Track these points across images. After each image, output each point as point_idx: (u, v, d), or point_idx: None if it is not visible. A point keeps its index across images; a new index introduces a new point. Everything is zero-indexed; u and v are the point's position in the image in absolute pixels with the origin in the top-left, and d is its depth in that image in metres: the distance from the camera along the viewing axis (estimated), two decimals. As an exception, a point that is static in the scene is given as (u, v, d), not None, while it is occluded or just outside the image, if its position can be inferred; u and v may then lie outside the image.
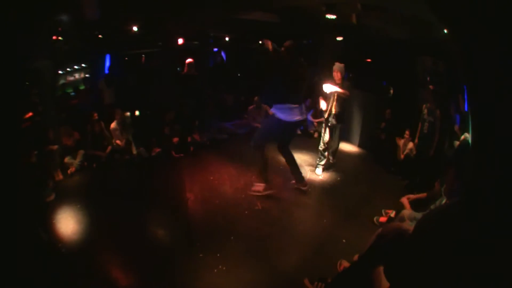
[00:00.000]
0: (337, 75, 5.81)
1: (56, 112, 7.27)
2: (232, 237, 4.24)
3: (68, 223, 4.65)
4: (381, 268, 2.65)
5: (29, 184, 4.98)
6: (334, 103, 5.90)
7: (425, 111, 5.54)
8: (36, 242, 3.85)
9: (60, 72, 8.60)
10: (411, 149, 5.96)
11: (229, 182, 5.68)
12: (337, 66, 5.82)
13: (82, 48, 7.81)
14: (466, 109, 4.94)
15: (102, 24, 7.19)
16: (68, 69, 9.03)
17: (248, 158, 6.27)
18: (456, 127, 5.40)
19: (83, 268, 3.81)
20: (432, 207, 3.48)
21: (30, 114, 6.70)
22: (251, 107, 8.32)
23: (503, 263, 1.60)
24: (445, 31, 5.49)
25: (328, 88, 5.73)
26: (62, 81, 8.67)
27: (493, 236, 1.65)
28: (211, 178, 5.83)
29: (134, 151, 6.69)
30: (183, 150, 7.01)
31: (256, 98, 8.18)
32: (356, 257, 3.33)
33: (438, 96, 5.63)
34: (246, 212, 4.83)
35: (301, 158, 6.62)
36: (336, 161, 6.37)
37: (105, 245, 4.21)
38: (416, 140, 5.79)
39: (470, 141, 2.79)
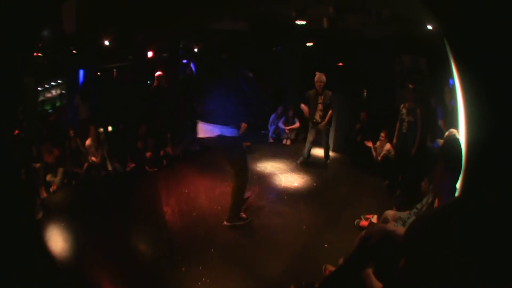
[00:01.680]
0: (319, 85, 6.28)
1: (37, 129, 7.30)
2: (212, 249, 4.19)
3: (56, 241, 4.61)
4: (370, 270, 2.70)
5: (21, 202, 4.98)
6: (320, 107, 6.44)
7: (404, 110, 5.57)
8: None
9: (39, 89, 8.57)
10: (388, 150, 6.02)
11: (204, 194, 5.61)
12: (318, 76, 6.24)
13: (59, 63, 7.80)
14: (452, 103, 4.91)
15: (77, 38, 7.17)
16: (46, 85, 8.98)
17: (221, 168, 6.28)
18: (441, 122, 5.43)
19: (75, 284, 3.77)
20: (418, 206, 3.40)
21: (17, 131, 6.70)
22: None
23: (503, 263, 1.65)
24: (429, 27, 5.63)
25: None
26: (41, 98, 8.63)
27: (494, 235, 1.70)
28: (186, 191, 5.78)
29: (110, 167, 6.65)
30: (157, 164, 6.96)
31: None
32: (341, 261, 3.30)
33: (418, 94, 5.66)
34: (224, 222, 4.75)
35: (275, 166, 6.73)
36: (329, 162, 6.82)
37: (92, 261, 4.16)
38: (395, 141, 5.81)
39: (457, 135, 2.87)
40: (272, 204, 5.36)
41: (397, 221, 3.43)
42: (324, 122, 6.50)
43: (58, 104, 9.02)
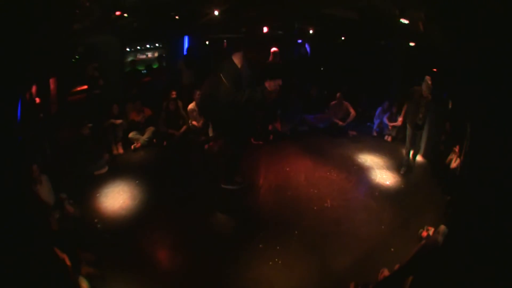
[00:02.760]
0: (426, 90, 6.15)
1: (124, 87, 7.51)
2: (296, 231, 4.44)
3: (116, 198, 4.88)
4: (409, 279, 2.82)
5: (72, 156, 5.30)
6: (423, 109, 6.21)
7: (469, 129, 5.46)
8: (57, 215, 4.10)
9: (128, 49, 8.84)
10: (457, 166, 5.92)
11: (304, 175, 5.85)
12: (426, 82, 6.16)
13: (155, 27, 7.97)
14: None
15: (179, 5, 7.30)
16: (138, 47, 9.25)
17: (327, 153, 6.54)
18: None
19: (120, 247, 3.99)
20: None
21: (85, 87, 6.95)
22: (333, 102, 8.33)
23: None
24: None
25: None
26: (131, 58, 8.94)
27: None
28: (287, 169, 6.02)
29: (211, 133, 6.87)
30: (263, 137, 7.20)
31: (338, 94, 8.24)
32: (396, 267, 3.52)
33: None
34: (315, 207, 5.03)
35: (374, 160, 6.81)
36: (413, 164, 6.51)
37: (152, 225, 4.39)
38: (462, 157, 5.65)
39: None
40: (364, 198, 5.55)
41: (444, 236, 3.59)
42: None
43: (155, 66, 9.28)
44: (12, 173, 2.44)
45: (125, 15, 6.68)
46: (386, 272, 3.68)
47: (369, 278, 3.64)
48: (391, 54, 9.38)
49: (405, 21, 7.08)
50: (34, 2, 2.27)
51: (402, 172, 6.46)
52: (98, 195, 4.94)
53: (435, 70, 9.09)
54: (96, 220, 4.41)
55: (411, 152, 6.46)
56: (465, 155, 5.42)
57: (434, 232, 4.15)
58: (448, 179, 5.92)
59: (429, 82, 6.20)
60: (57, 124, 5.80)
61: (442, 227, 3.82)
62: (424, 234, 4.53)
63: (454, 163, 5.92)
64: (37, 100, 5.23)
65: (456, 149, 6.02)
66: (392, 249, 4.28)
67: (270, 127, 7.36)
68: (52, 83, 5.93)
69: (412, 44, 8.52)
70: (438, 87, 8.47)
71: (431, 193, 5.83)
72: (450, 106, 8.13)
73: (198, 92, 6.82)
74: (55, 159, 5.14)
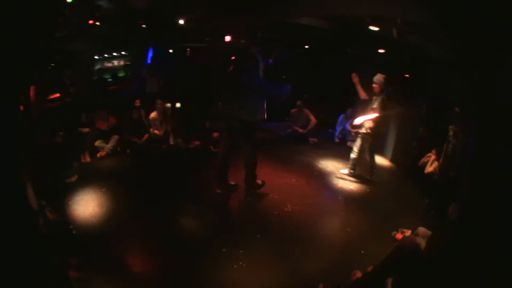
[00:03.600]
0: (376, 87, 5.89)
1: (92, 96, 7.49)
2: (258, 236, 4.33)
3: (87, 206, 4.77)
4: (390, 280, 2.73)
5: (47, 164, 5.14)
6: (370, 112, 5.97)
7: (451, 132, 5.44)
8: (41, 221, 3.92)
9: (96, 57, 8.81)
10: (435, 169, 5.89)
11: (263, 181, 5.69)
12: (377, 78, 5.90)
13: (123, 36, 7.98)
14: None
15: (147, 15, 7.32)
16: (105, 55, 9.22)
17: (287, 160, 6.54)
18: None
19: (94, 252, 3.88)
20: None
21: (57, 95, 6.91)
22: (293, 110, 8.39)
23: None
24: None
25: (359, 120, 6.07)
26: (99, 66, 8.89)
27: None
28: (247, 175, 5.90)
29: (172, 142, 6.85)
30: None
31: (299, 102, 8.27)
32: (370, 269, 3.40)
33: (463, 119, 5.43)
34: (276, 212, 4.93)
35: (336, 166, 6.79)
36: (374, 178, 6.25)
37: (124, 231, 4.31)
38: (441, 160, 5.69)
39: None
40: (325, 202, 5.56)
41: (425, 238, 3.51)
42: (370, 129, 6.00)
43: (121, 74, 9.26)
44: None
45: (98, 23, 6.70)
46: (358, 274, 3.58)
47: (340, 280, 3.54)
48: (358, 62, 9.40)
49: (375, 28, 7.08)
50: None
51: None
52: (70, 202, 4.85)
53: (407, 76, 9.16)
54: (71, 227, 4.31)
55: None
56: (446, 157, 5.50)
57: (412, 234, 4.12)
58: (426, 183, 5.91)
59: (382, 80, 5.94)
60: (36, 131, 5.76)
61: (422, 229, 3.93)
62: (399, 236, 4.45)
63: (430, 167, 5.88)
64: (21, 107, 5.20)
65: (432, 153, 6.00)
66: (362, 251, 4.17)
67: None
68: (32, 90, 5.92)
69: (381, 51, 8.56)
70: (411, 93, 8.52)
71: (402, 197, 5.86)
72: (424, 111, 8.14)
73: (159, 102, 6.79)
74: (35, 166, 5.09)
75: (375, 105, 5.89)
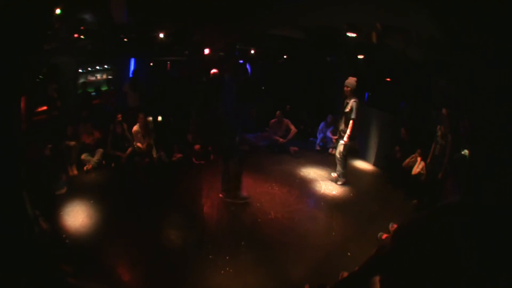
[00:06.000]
0: (347, 90, 6.02)
1: (76, 110, 7.49)
2: (243, 243, 4.38)
3: (77, 217, 4.86)
4: (377, 278, 2.75)
5: (37, 176, 5.26)
6: (344, 117, 6.11)
7: (439, 133, 5.53)
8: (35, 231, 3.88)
9: (80, 70, 8.82)
10: (422, 169, 5.92)
11: (246, 192, 5.66)
12: (348, 81, 6.03)
13: (106, 49, 7.99)
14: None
15: (129, 28, 7.35)
16: (89, 68, 9.22)
17: (268, 170, 6.59)
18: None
19: (87, 260, 3.94)
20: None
21: (44, 108, 6.91)
22: (272, 121, 8.38)
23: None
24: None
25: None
26: (82, 80, 8.85)
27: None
28: (229, 186, 5.92)
29: (155, 155, 6.83)
30: (204, 157, 7.09)
31: (278, 112, 8.30)
32: (356, 269, 3.42)
33: (451, 120, 5.53)
34: (259, 220, 5.02)
35: (318, 173, 6.86)
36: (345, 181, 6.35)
37: (113, 241, 4.38)
38: (428, 160, 5.75)
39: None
40: (309, 208, 5.57)
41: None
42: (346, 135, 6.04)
43: (104, 88, 9.25)
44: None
45: (82, 37, 6.70)
46: (345, 275, 3.57)
47: (328, 281, 3.51)
48: (337, 69, 9.52)
49: (352, 35, 7.14)
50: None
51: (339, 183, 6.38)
52: (61, 213, 4.93)
53: (388, 79, 9.25)
54: (64, 236, 4.41)
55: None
56: (434, 157, 5.57)
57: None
58: (413, 184, 5.95)
59: (354, 83, 6.05)
60: (26, 143, 5.75)
61: None
62: (385, 236, 4.50)
63: (417, 168, 5.92)
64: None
65: (417, 154, 6.04)
66: (349, 254, 4.26)
67: (209, 148, 7.23)
68: (22, 101, 5.89)
69: (360, 57, 8.66)
70: (394, 97, 8.60)
71: (386, 199, 5.93)
72: (407, 114, 8.22)
73: (141, 115, 6.80)
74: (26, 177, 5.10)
75: (347, 109, 5.97)
